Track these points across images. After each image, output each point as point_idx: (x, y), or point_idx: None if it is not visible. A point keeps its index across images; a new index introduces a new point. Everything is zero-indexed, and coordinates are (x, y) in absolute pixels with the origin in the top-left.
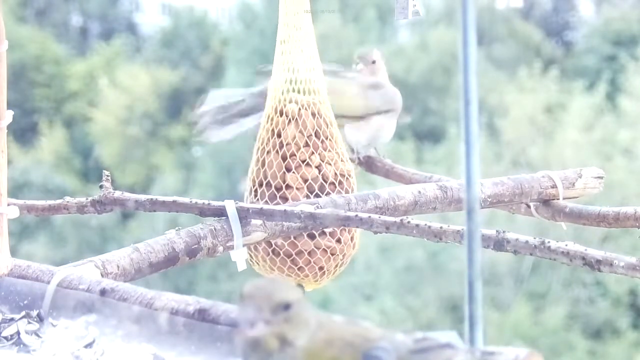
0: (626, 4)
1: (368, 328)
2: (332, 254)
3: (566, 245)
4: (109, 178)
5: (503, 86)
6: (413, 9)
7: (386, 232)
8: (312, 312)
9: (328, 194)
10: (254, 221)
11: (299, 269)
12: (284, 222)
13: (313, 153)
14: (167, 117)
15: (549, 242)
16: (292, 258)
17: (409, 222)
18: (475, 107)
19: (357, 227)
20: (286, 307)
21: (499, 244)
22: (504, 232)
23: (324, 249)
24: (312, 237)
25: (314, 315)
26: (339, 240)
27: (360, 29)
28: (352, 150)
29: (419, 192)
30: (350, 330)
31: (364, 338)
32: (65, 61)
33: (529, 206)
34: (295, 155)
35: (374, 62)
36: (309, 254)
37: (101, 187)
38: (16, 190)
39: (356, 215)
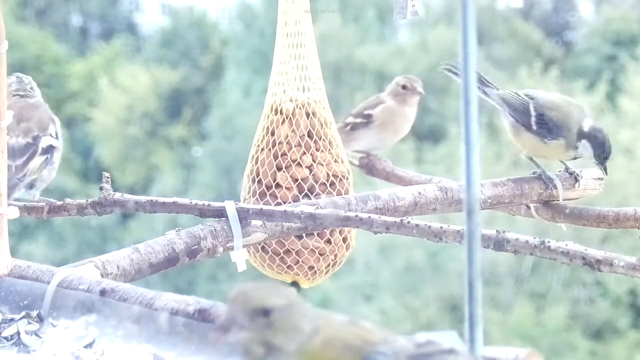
0: (626, 4)
1: (369, 330)
2: (322, 254)
3: (566, 245)
4: (109, 180)
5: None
6: (412, 9)
7: (386, 232)
8: (310, 314)
9: (318, 195)
10: (254, 222)
11: (288, 267)
12: (284, 223)
13: (305, 153)
14: (167, 117)
15: (549, 242)
16: (280, 256)
17: (409, 222)
18: (475, 107)
19: (357, 227)
20: (265, 312)
21: (499, 244)
22: (504, 232)
23: (312, 249)
24: (299, 237)
25: (310, 319)
26: (328, 241)
27: (360, 29)
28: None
29: (419, 193)
30: (351, 331)
31: (364, 340)
32: (65, 61)
33: (529, 207)
34: (286, 154)
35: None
36: (297, 253)
37: (101, 188)
38: None
39: (356, 216)
